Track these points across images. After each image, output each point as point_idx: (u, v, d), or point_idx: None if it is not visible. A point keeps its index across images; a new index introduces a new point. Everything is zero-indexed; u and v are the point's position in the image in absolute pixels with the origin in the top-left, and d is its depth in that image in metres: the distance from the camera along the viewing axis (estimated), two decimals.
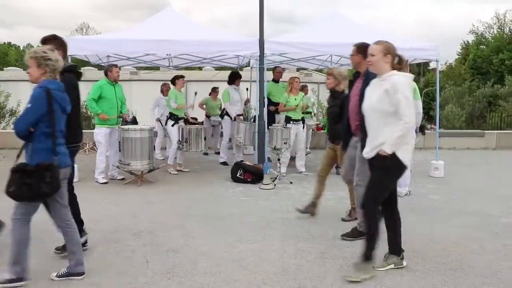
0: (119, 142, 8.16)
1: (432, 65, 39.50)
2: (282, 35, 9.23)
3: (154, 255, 4.60)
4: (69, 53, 8.19)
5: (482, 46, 44.61)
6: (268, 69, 9.40)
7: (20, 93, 26.14)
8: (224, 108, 10.09)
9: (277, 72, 10.38)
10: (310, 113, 10.75)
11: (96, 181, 8.02)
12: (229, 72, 10.46)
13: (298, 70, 31.68)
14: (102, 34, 9.65)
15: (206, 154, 11.17)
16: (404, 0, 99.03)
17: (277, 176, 8.02)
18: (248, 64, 12.00)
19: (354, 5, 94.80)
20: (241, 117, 9.87)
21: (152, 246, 4.84)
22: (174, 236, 5.21)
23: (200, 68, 29.00)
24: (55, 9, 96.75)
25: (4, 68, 39.89)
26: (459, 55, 48.28)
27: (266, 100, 8.83)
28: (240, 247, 4.85)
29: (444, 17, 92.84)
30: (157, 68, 28.10)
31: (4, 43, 72.92)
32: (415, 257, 4.56)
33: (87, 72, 35.40)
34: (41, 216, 4.03)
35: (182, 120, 9.21)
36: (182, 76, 9.24)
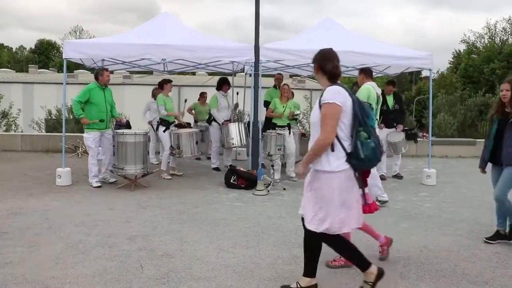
0: (113, 146, 8.16)
1: (424, 73, 39.88)
2: (277, 42, 9.26)
3: (149, 259, 4.59)
4: (64, 56, 8.26)
5: (473, 56, 45.10)
6: (262, 75, 9.43)
7: (12, 95, 26.20)
8: (211, 114, 10.09)
9: (277, 78, 10.44)
10: (297, 119, 10.76)
11: (90, 185, 8.00)
12: (223, 77, 10.48)
13: (291, 76, 31.85)
14: (97, 38, 9.65)
15: (198, 159, 11.17)
16: (390, 8, 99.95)
17: (270, 182, 8.04)
18: (242, 70, 12.04)
19: (339, 13, 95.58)
20: (228, 123, 9.85)
21: (146, 251, 4.84)
22: (168, 241, 5.21)
23: (193, 73, 29.08)
24: (45, 11, 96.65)
25: None
26: (450, 64, 48.78)
27: (262, 106, 8.87)
28: (234, 252, 4.86)
29: (431, 26, 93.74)
30: (150, 72, 28.19)
31: None
32: (408, 264, 4.60)
33: (80, 75, 35.51)
34: None
35: (173, 124, 9.19)
36: (170, 81, 9.22)
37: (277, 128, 8.70)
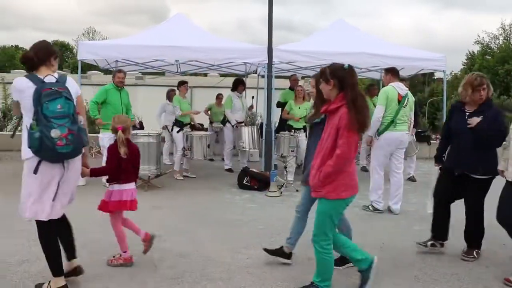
0: None
1: (437, 75, 39.60)
2: (290, 44, 9.29)
3: (163, 260, 4.62)
4: (79, 57, 8.34)
5: (487, 57, 44.67)
6: (275, 77, 9.45)
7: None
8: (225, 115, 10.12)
9: (293, 79, 10.42)
10: None
11: (104, 185, 8.05)
12: (234, 78, 10.50)
13: (302, 78, 31.89)
14: (111, 40, 9.76)
15: (211, 160, 11.19)
16: (400, 9, 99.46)
17: (283, 183, 8.04)
18: (255, 72, 12.07)
19: (348, 13, 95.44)
20: (242, 124, 9.87)
21: (160, 251, 4.86)
22: (182, 241, 5.24)
23: (205, 74, 29.12)
24: (57, 14, 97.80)
25: (11, 71, 40.09)
26: (464, 65, 48.36)
27: (275, 107, 8.88)
28: (248, 253, 4.87)
29: (441, 26, 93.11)
30: (162, 73, 28.33)
31: (12, 46, 73.36)
32: (424, 267, 4.58)
33: (93, 76, 35.76)
34: None
35: (188, 126, 9.23)
36: (186, 82, 9.27)
37: (292, 130, 8.69)
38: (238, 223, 6.08)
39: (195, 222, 6.08)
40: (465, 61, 48.71)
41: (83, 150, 3.85)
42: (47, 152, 3.47)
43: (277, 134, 8.55)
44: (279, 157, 8.55)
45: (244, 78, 11.49)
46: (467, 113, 4.73)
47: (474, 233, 4.90)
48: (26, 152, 3.57)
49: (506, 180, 4.38)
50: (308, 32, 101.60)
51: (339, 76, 3.58)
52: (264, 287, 4.05)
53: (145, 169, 7.75)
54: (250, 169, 8.37)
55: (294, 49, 8.78)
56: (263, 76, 11.74)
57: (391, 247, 5.04)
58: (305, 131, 8.95)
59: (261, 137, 9.19)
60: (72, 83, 3.76)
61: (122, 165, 4.37)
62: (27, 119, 3.52)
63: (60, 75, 3.72)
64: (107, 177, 7.85)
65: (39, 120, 3.42)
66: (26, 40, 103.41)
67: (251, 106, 10.83)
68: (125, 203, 4.43)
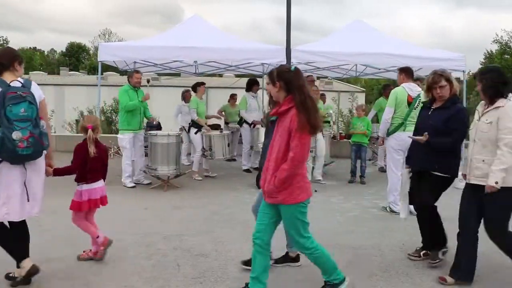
0: (146, 147, 8.29)
1: (454, 75, 39.23)
2: (308, 44, 9.28)
3: (185, 259, 4.67)
4: (99, 59, 8.45)
5: (506, 56, 44.07)
6: None
7: (46, 97, 26.67)
8: (241, 116, 10.16)
9: (309, 80, 10.39)
10: (329, 122, 10.76)
11: (124, 185, 8.15)
12: (250, 79, 10.52)
13: (318, 78, 31.82)
14: (131, 41, 9.84)
15: (234, 160, 11.24)
16: (414, 9, 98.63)
17: None
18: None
19: (362, 13, 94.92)
20: (259, 125, 9.91)
21: (182, 250, 4.92)
22: (203, 241, 5.28)
23: (220, 75, 29.24)
24: (73, 16, 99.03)
25: (30, 73, 40.66)
26: (482, 64, 47.79)
27: None
28: None
29: (456, 25, 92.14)
30: (178, 74, 28.48)
31: (29, 48, 74.38)
32: (447, 268, 4.54)
33: (110, 77, 36.16)
34: None
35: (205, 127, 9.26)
36: (203, 83, 9.31)
37: None
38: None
39: (214, 221, 6.12)
40: (483, 61, 48.12)
41: (45, 153, 3.99)
42: (8, 153, 3.59)
43: None
44: None
45: (261, 79, 11.53)
46: (431, 109, 4.67)
47: (430, 233, 4.78)
48: None
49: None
50: (320, 32, 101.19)
51: (285, 78, 3.53)
52: (285, 285, 4.07)
53: (164, 169, 7.84)
54: None
55: (312, 49, 8.78)
56: None
57: (412, 247, 5.02)
58: (321, 131, 8.95)
59: None
60: (36, 88, 3.88)
61: (88, 165, 4.46)
62: None
63: (26, 80, 3.85)
64: (126, 177, 8.02)
65: (1, 122, 3.54)
66: (43, 42, 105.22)
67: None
68: (96, 201, 4.54)
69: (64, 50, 75.65)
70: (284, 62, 8.53)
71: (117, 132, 17.69)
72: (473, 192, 4.15)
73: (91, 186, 4.51)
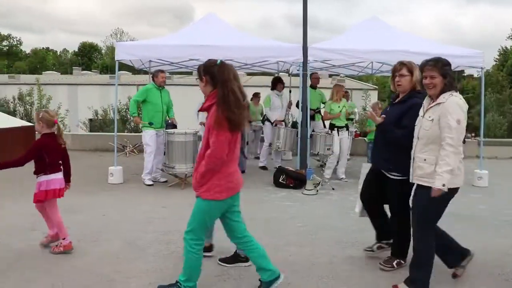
0: (164, 145, 8.32)
1: (467, 71, 38.82)
2: (324, 42, 9.24)
3: (206, 256, 4.67)
4: (116, 58, 8.49)
5: None
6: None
7: (58, 96, 26.93)
8: (265, 114, 10.18)
9: (315, 78, 10.37)
10: (352, 119, 10.75)
11: (143, 182, 8.19)
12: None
13: (330, 76, 31.68)
14: (147, 40, 9.85)
15: (245, 158, 11.23)
16: (425, 5, 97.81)
17: (319, 182, 8.02)
18: (287, 71, 12.05)
19: (373, 10, 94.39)
20: (282, 123, 9.90)
21: None
22: (223, 238, 5.22)
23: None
24: (84, 16, 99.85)
25: (43, 72, 41.01)
26: (496, 61, 47.32)
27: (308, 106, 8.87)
28: (289, 251, 4.89)
29: (468, 22, 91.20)
30: (190, 72, 28.45)
31: (42, 48, 75.05)
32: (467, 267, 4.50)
33: (122, 76, 36.35)
34: None
35: None
36: None
37: (335, 129, 8.75)
38: (277, 220, 6.11)
39: None
40: (497, 57, 47.64)
41: None
42: None
43: (313, 132, 8.56)
44: (313, 155, 8.56)
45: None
46: (392, 104, 4.46)
47: (398, 240, 4.45)
48: None
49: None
50: (331, 30, 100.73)
51: (211, 73, 3.46)
52: (309, 283, 4.06)
53: (182, 167, 7.85)
54: (286, 167, 8.38)
55: (329, 47, 8.72)
56: (294, 75, 11.78)
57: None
58: (347, 129, 8.97)
59: (297, 135, 9.23)
60: None
61: (47, 159, 4.58)
62: None
63: None
64: (146, 174, 8.05)
65: None
66: (56, 42, 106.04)
67: (290, 102, 10.85)
68: (54, 191, 4.63)
69: (76, 50, 76.29)
70: (301, 60, 8.52)
71: (131, 131, 17.98)
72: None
73: (49, 177, 4.63)
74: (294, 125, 10.94)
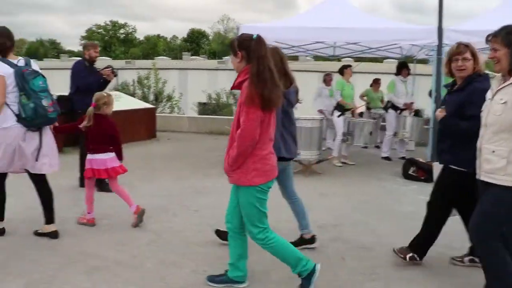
0: None
1: None
2: (463, 23, 8.49)
3: (347, 251, 4.42)
4: None
5: None
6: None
7: (170, 80, 28.06)
8: (388, 101, 9.61)
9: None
10: None
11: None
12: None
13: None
14: (271, 22, 9.70)
15: (365, 147, 10.75)
16: None
17: None
18: (412, 56, 11.34)
19: None
20: (407, 111, 9.29)
21: (341, 242, 4.68)
22: (360, 232, 4.98)
23: (294, 58, 27.82)
24: (191, 3, 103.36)
25: (155, 58, 43.00)
26: None
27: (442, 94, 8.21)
28: (435, 250, 4.42)
29: None
30: (295, 58, 28.04)
31: (154, 35, 78.96)
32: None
33: (229, 61, 37.08)
34: None
35: (350, 111, 8.89)
36: (350, 65, 8.95)
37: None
38: (414, 216, 5.60)
39: (367, 212, 5.78)
40: None
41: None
42: (41, 118, 4.19)
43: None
44: None
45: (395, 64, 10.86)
46: (451, 93, 3.93)
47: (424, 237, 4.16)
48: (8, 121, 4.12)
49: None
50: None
51: (246, 47, 3.18)
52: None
53: (307, 154, 7.60)
54: (417, 158, 7.82)
55: (467, 29, 7.98)
56: (419, 62, 11.05)
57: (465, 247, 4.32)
58: None
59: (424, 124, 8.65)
60: (35, 65, 4.38)
61: (88, 135, 4.87)
62: (12, 97, 4.11)
63: (26, 59, 4.32)
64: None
65: (30, 94, 4.10)
66: (165, 29, 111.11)
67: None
68: (99, 171, 4.85)
69: (185, 36, 79.19)
70: (435, 44, 7.88)
71: None
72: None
73: (93, 157, 4.84)
74: (417, 113, 10.27)
